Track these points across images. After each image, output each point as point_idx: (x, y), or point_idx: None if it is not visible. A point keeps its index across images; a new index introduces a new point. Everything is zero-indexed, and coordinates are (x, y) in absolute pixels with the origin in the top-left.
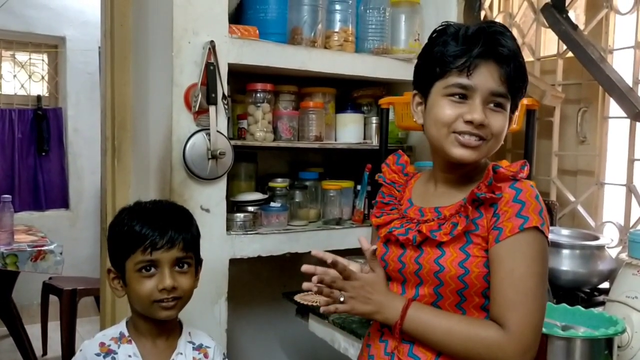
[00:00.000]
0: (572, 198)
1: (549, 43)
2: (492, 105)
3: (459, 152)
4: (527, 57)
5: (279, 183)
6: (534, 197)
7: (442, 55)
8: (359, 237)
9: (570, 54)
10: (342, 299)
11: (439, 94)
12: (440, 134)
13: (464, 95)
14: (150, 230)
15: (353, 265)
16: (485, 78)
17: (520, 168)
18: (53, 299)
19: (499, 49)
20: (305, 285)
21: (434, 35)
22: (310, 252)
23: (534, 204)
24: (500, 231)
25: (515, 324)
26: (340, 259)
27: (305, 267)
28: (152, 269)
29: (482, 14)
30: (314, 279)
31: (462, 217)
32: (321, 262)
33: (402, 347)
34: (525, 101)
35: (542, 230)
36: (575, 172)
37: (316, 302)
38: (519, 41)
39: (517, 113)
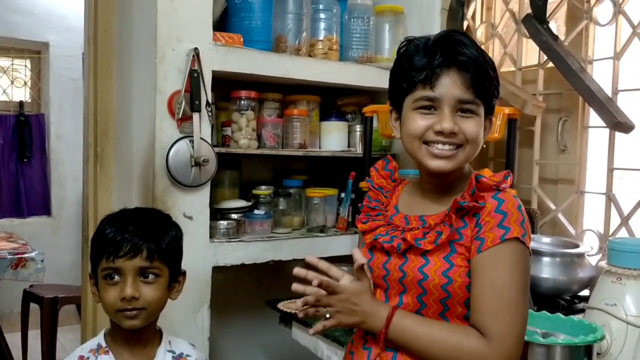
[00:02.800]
0: (552, 206)
1: (531, 53)
2: (461, 112)
3: (434, 164)
4: (509, 67)
5: (263, 190)
6: (516, 208)
7: (407, 71)
8: (353, 250)
9: (551, 64)
10: (327, 316)
11: (409, 108)
12: (414, 146)
13: (431, 106)
14: (115, 236)
15: (344, 276)
16: (449, 87)
17: (503, 178)
18: (34, 307)
19: (458, 57)
20: (294, 286)
21: (400, 51)
22: (293, 259)
23: (515, 214)
24: (482, 241)
25: (497, 333)
26: (327, 269)
27: (297, 270)
28: (116, 277)
29: (465, 24)
30: (298, 303)
31: (446, 227)
32: (313, 268)
33: (385, 355)
34: (506, 110)
35: (523, 241)
36: (556, 181)
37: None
38: (500, 51)
39: (495, 116)
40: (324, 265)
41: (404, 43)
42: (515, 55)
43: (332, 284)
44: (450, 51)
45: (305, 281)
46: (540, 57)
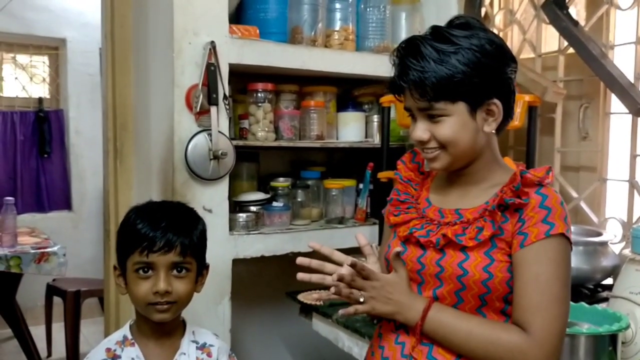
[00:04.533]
0: (574, 194)
1: (550, 39)
2: (431, 117)
3: (430, 166)
4: (528, 53)
5: (281, 183)
6: (559, 204)
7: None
8: (356, 234)
9: (571, 50)
10: (362, 299)
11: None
12: (420, 151)
13: (412, 115)
14: (149, 232)
15: (372, 263)
16: (409, 99)
17: (545, 173)
18: (57, 301)
19: (404, 80)
20: (299, 275)
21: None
22: (313, 251)
23: (559, 210)
24: (526, 236)
25: (539, 329)
26: (329, 254)
27: (300, 260)
28: (149, 271)
29: (483, 10)
30: (334, 276)
31: (487, 222)
32: (325, 258)
33: (420, 349)
34: (526, 98)
35: (568, 236)
36: (578, 169)
37: (320, 302)
38: (520, 38)
39: (494, 108)
40: (326, 250)
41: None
42: (535, 41)
43: (366, 269)
44: (401, 73)
45: (311, 270)
46: (561, 43)
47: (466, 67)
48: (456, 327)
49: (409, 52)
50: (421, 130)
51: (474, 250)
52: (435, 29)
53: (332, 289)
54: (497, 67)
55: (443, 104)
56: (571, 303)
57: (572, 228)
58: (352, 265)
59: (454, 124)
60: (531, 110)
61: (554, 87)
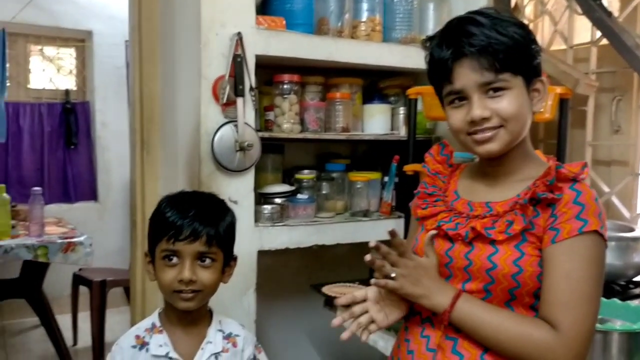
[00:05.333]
0: (606, 189)
1: (582, 30)
2: (491, 92)
3: (483, 149)
4: (559, 45)
5: (306, 175)
6: (593, 200)
7: (430, 67)
8: (390, 229)
9: (604, 42)
10: (393, 275)
11: (445, 104)
12: (461, 139)
13: (461, 98)
14: (176, 220)
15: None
16: (467, 75)
17: (581, 169)
18: (83, 290)
19: (465, 49)
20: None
21: (427, 48)
22: (337, 244)
23: (593, 206)
24: (558, 232)
25: (568, 328)
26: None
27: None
28: (175, 259)
29: (513, 1)
30: (371, 243)
31: (518, 216)
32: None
33: (445, 344)
34: (558, 90)
35: (602, 233)
36: (610, 163)
37: (344, 294)
38: (551, 29)
39: (540, 86)
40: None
41: (426, 41)
42: (567, 32)
43: (404, 245)
44: (457, 43)
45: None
46: (593, 34)
47: (522, 38)
48: (485, 319)
49: (466, 23)
50: (481, 108)
51: (503, 244)
52: (469, 13)
53: (367, 257)
54: (537, 45)
55: (508, 76)
56: (603, 299)
57: None
58: (392, 235)
59: (516, 97)
60: (562, 102)
61: (586, 79)
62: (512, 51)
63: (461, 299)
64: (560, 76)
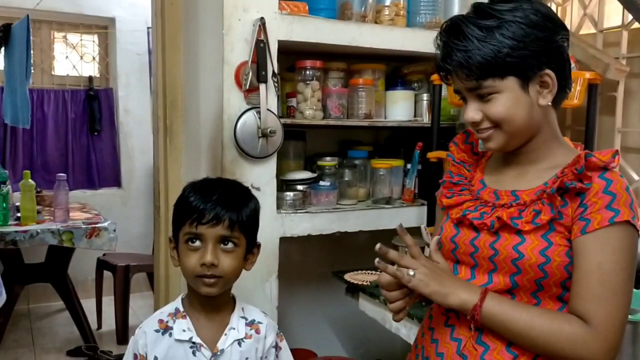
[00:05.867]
0: (635, 177)
1: (612, 14)
2: (481, 97)
3: (485, 146)
4: (589, 29)
5: (328, 162)
6: (624, 189)
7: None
8: (421, 226)
9: (635, 25)
10: (412, 273)
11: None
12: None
13: (463, 97)
14: (199, 204)
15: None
16: (456, 80)
17: (611, 157)
18: (107, 275)
19: (449, 64)
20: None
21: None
22: (359, 231)
23: (625, 196)
24: (588, 223)
25: (601, 320)
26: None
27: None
28: (197, 242)
29: None
30: (377, 246)
31: (545, 205)
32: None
33: (471, 333)
34: (587, 75)
35: (634, 223)
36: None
37: (366, 281)
38: (580, 13)
39: (547, 79)
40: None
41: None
42: (597, 16)
43: (415, 247)
44: (445, 56)
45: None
46: (625, 18)
47: (512, 40)
48: (515, 315)
49: (451, 33)
50: (473, 111)
51: (530, 233)
52: (477, 6)
53: (378, 246)
54: (545, 36)
55: (491, 81)
56: (635, 290)
57: None
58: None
59: (506, 100)
60: (591, 88)
61: (616, 64)
62: (493, 60)
63: (487, 299)
64: (590, 61)
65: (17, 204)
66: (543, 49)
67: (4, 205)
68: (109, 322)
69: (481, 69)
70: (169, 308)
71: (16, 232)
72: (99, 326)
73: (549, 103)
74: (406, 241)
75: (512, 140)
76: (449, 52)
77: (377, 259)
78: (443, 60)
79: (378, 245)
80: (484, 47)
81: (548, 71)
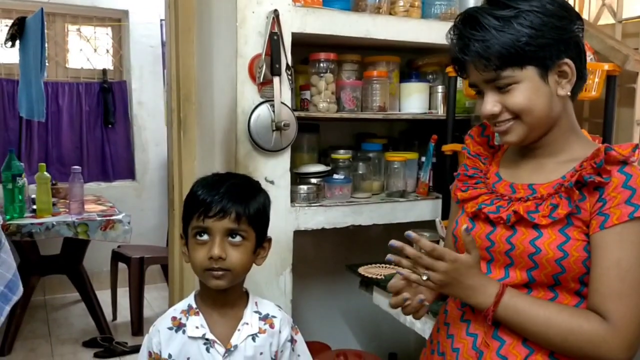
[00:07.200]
0: None
1: (631, 4)
2: (500, 88)
3: (503, 140)
4: (608, 19)
5: (342, 155)
6: None
7: (452, 61)
8: (436, 220)
9: None
10: (424, 278)
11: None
12: (491, 125)
13: (479, 91)
14: (206, 197)
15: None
16: (474, 73)
17: (631, 151)
18: (122, 267)
19: (466, 54)
20: (389, 257)
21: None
22: (373, 224)
23: None
24: (607, 217)
25: (621, 318)
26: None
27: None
28: (205, 236)
29: None
30: (392, 242)
31: (563, 199)
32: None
33: (487, 329)
34: (605, 66)
35: None
36: None
37: (380, 275)
38: (598, 3)
39: (566, 69)
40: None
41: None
42: (615, 6)
43: (438, 249)
44: (462, 47)
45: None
46: None
47: (530, 29)
48: (532, 315)
49: (467, 24)
50: (491, 104)
51: (547, 228)
52: (481, 5)
53: (393, 242)
54: (562, 25)
55: (511, 71)
56: None
57: None
58: (416, 241)
59: (526, 90)
60: (610, 80)
61: (636, 55)
62: (511, 49)
63: (505, 296)
64: (608, 52)
65: (33, 196)
66: (561, 37)
67: (20, 197)
68: (124, 313)
69: (500, 58)
70: (182, 305)
71: (32, 224)
72: (114, 317)
73: (568, 93)
74: (423, 246)
75: (531, 132)
76: (465, 44)
77: (389, 254)
78: (460, 52)
79: (392, 241)
80: (502, 36)
81: (567, 60)
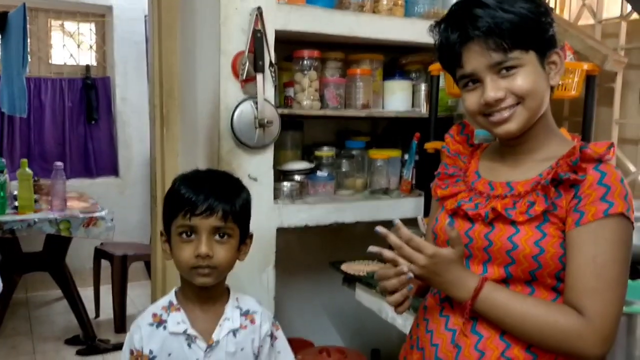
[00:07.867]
0: (632, 168)
1: (611, 5)
2: (503, 72)
3: (501, 130)
4: (588, 19)
5: (326, 152)
6: (619, 181)
7: (440, 52)
8: (418, 217)
9: (634, 16)
10: (405, 270)
11: (460, 87)
12: (478, 121)
13: (474, 80)
14: (192, 196)
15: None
16: (476, 58)
17: (607, 149)
18: (104, 264)
19: (471, 32)
20: (371, 248)
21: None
22: (357, 222)
23: (619, 188)
24: (582, 215)
25: (596, 313)
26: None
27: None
28: (192, 235)
29: None
30: (377, 228)
31: (539, 197)
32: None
33: (469, 337)
34: (585, 66)
35: (628, 216)
36: (637, 141)
37: (363, 272)
38: (578, 3)
39: (556, 58)
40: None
41: (434, 26)
42: (595, 7)
43: (415, 240)
44: (463, 27)
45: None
46: (624, 9)
47: (530, 13)
48: (509, 309)
49: (469, 6)
50: (494, 89)
51: (524, 224)
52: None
53: (379, 228)
54: (548, 16)
55: (518, 53)
56: (630, 281)
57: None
58: (398, 228)
59: (530, 73)
60: (589, 79)
61: (615, 55)
62: (519, 28)
63: (484, 290)
64: (588, 52)
65: (15, 192)
66: (550, 26)
67: (2, 194)
68: (107, 311)
69: (512, 37)
70: (163, 301)
71: (14, 221)
72: (97, 315)
73: (560, 83)
74: (402, 234)
75: (531, 118)
76: (473, 21)
77: (370, 246)
78: (472, 26)
79: (378, 227)
80: (508, 16)
81: (558, 50)
